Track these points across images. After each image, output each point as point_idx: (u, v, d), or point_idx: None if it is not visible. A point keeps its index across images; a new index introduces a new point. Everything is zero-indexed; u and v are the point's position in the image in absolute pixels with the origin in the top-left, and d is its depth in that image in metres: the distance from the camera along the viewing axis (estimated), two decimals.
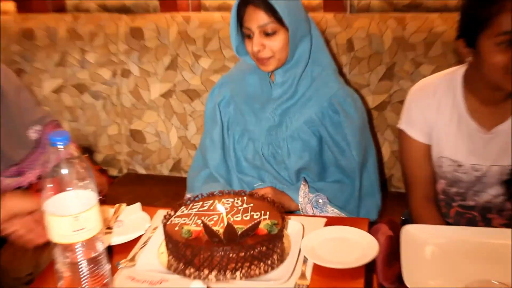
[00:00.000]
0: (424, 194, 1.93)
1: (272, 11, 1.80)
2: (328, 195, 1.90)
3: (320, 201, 1.88)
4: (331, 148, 1.93)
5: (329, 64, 1.96)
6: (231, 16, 1.88)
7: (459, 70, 1.85)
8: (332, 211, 1.88)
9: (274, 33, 1.82)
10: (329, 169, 1.98)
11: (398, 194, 2.56)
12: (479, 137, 1.81)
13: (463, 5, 1.74)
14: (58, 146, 1.21)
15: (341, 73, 2.51)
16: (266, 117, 1.95)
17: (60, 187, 1.22)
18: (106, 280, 1.29)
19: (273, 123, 1.94)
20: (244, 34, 1.88)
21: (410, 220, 2.00)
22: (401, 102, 2.45)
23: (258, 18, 1.81)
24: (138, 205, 1.72)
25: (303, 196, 1.88)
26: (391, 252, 1.49)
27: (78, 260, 1.24)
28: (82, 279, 1.24)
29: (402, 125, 1.93)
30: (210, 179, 2.04)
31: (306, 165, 1.94)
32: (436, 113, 1.86)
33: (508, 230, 1.54)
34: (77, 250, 1.23)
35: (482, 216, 1.92)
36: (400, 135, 1.95)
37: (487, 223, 1.92)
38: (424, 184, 1.94)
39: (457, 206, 1.96)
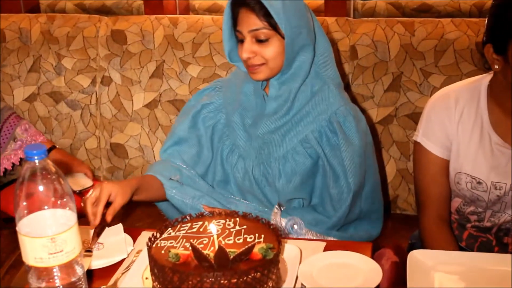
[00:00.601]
0: (438, 213, 1.94)
1: (266, 15, 1.78)
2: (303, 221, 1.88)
3: (295, 226, 1.86)
4: (326, 172, 1.90)
5: (333, 78, 1.93)
6: (224, 17, 1.87)
7: (484, 79, 1.87)
8: (311, 235, 1.86)
9: (267, 40, 1.81)
10: (315, 193, 1.96)
11: (404, 217, 2.59)
12: (502, 153, 1.83)
13: (492, 7, 1.76)
14: (34, 160, 1.23)
15: (347, 88, 2.55)
16: (257, 134, 1.94)
17: (35, 206, 1.23)
18: None
19: (265, 141, 1.94)
20: (237, 37, 1.87)
21: (418, 244, 2.02)
22: (409, 115, 2.50)
23: (249, 22, 1.80)
24: (120, 226, 1.74)
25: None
26: (397, 279, 1.51)
27: (55, 286, 1.25)
28: None
29: (419, 137, 1.94)
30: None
31: (297, 189, 1.92)
32: (457, 125, 1.87)
33: None
34: (54, 274, 1.25)
35: (498, 240, 1.94)
36: (416, 148, 1.97)
37: (503, 249, 1.94)
38: (438, 203, 1.95)
39: (471, 228, 1.98)
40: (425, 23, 2.56)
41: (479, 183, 1.86)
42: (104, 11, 3.07)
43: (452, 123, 1.88)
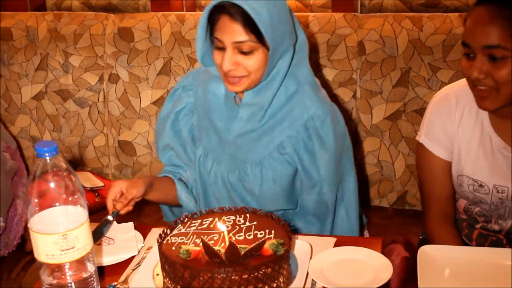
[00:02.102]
0: (442, 212, 1.93)
1: (252, 27, 1.66)
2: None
3: None
4: (303, 181, 1.86)
5: (307, 77, 1.84)
6: (201, 21, 1.73)
7: None
8: None
9: (251, 52, 1.70)
10: (299, 203, 1.93)
11: (414, 212, 2.59)
12: (503, 155, 1.80)
13: None
14: (45, 157, 1.23)
15: (353, 84, 2.55)
16: (229, 139, 1.86)
17: (47, 202, 1.24)
18: None
19: (237, 146, 1.86)
20: (213, 42, 1.75)
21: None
22: (417, 111, 2.50)
23: (234, 33, 1.68)
24: (130, 224, 1.75)
25: None
26: (407, 274, 1.52)
27: (67, 282, 1.26)
28: None
29: (421, 138, 1.91)
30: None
31: (278, 196, 1.88)
32: (457, 127, 1.84)
33: None
34: (65, 271, 1.26)
35: (508, 240, 1.92)
36: (418, 148, 1.94)
37: None
38: (443, 202, 1.93)
39: (480, 228, 1.96)
40: (433, 18, 2.56)
41: (480, 185, 1.83)
42: (110, 8, 3.07)
43: (453, 124, 1.85)
